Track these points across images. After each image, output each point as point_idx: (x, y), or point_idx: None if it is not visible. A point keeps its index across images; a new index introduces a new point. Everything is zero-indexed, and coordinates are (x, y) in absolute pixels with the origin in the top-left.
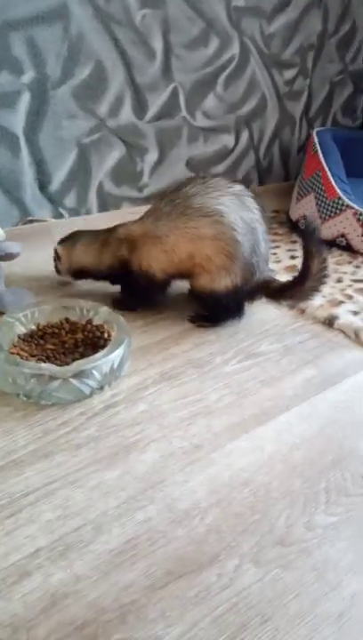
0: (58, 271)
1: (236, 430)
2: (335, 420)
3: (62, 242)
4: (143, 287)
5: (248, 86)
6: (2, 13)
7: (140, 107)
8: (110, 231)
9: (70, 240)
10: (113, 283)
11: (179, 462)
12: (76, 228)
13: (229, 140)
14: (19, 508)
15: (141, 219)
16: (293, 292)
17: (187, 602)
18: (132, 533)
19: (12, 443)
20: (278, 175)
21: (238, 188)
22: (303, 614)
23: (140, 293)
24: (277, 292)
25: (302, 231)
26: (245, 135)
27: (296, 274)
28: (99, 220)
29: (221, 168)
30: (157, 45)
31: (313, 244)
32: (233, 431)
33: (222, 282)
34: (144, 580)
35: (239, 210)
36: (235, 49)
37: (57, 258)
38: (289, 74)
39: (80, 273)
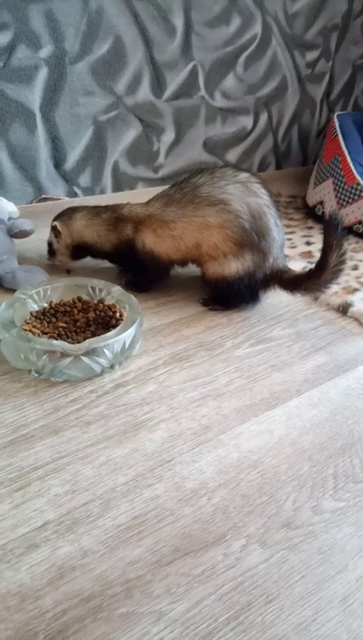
0: (52, 252)
1: (245, 413)
2: (346, 407)
3: (59, 217)
4: (148, 267)
5: (269, 67)
6: None
7: (158, 85)
8: (112, 210)
9: (68, 215)
10: (113, 262)
11: (187, 442)
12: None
13: (247, 121)
14: (28, 482)
15: (147, 202)
16: (308, 283)
17: (193, 579)
18: (139, 510)
19: (23, 418)
20: (296, 159)
21: (244, 175)
22: (308, 595)
23: (145, 273)
24: (291, 283)
25: (324, 223)
26: (264, 117)
27: (312, 265)
28: (113, 201)
29: (238, 150)
30: (178, 22)
31: (335, 237)
32: (243, 414)
33: (233, 268)
34: (151, 556)
35: (246, 196)
36: (257, 28)
37: (56, 234)
38: (311, 55)
39: (79, 250)
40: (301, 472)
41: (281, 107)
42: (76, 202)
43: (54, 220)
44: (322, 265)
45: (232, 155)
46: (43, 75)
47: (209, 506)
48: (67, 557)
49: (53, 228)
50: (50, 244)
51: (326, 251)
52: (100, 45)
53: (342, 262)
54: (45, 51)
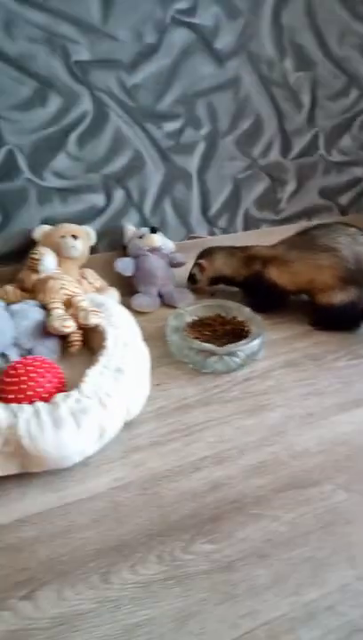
0: (195, 281)
1: (340, 408)
2: None
3: (203, 257)
4: (271, 294)
5: None
6: (194, 86)
7: (285, 148)
8: (243, 250)
9: (210, 255)
10: (242, 288)
11: (296, 422)
12: (218, 244)
13: (359, 171)
14: (191, 432)
15: (273, 245)
16: None
17: (297, 503)
18: (263, 458)
19: (184, 393)
20: None
21: (353, 230)
22: None
23: (267, 299)
24: None
25: None
26: None
27: None
28: (242, 238)
29: (349, 195)
30: (306, 99)
31: None
32: (338, 408)
33: (339, 298)
34: (271, 485)
35: (353, 246)
36: None
37: (201, 269)
38: None
39: (216, 280)
40: None
41: None
42: (215, 240)
43: (199, 258)
44: None
45: (344, 198)
46: (201, 148)
47: (311, 463)
48: (218, 478)
49: (199, 265)
50: (194, 276)
51: None
52: (244, 123)
53: None
54: (204, 130)
